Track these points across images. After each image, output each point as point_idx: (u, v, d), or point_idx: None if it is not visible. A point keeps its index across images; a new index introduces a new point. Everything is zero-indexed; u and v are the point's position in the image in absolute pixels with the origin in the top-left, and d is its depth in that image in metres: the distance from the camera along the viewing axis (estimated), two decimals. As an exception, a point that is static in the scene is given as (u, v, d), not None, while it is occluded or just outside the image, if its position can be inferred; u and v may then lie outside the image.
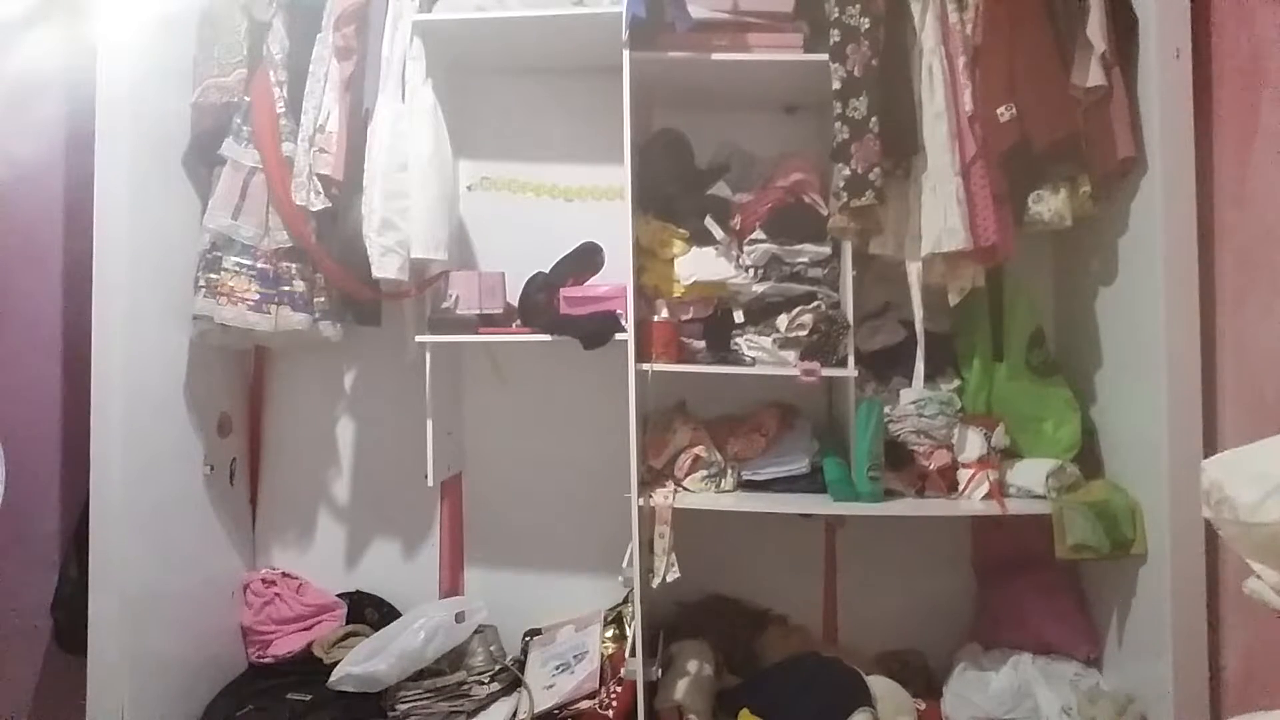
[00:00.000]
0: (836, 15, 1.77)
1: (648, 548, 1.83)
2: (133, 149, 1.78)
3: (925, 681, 2.00)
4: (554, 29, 1.94)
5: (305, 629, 2.15)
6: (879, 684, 1.86)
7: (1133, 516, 1.70)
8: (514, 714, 1.93)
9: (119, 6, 1.79)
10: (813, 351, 1.83)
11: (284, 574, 2.24)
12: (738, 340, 1.93)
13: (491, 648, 2.05)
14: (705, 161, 2.08)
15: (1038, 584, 1.95)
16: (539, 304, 1.96)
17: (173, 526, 1.92)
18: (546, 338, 1.92)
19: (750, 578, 2.18)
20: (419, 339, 1.97)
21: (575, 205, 2.24)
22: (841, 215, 1.78)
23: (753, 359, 1.90)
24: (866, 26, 1.75)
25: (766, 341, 1.88)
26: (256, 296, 1.91)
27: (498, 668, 2.01)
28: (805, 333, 1.82)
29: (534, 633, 2.17)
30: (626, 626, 1.98)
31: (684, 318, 1.94)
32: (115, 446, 1.74)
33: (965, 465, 1.88)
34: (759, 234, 1.88)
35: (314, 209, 1.90)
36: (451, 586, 2.26)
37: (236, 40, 1.91)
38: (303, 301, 1.96)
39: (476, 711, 1.94)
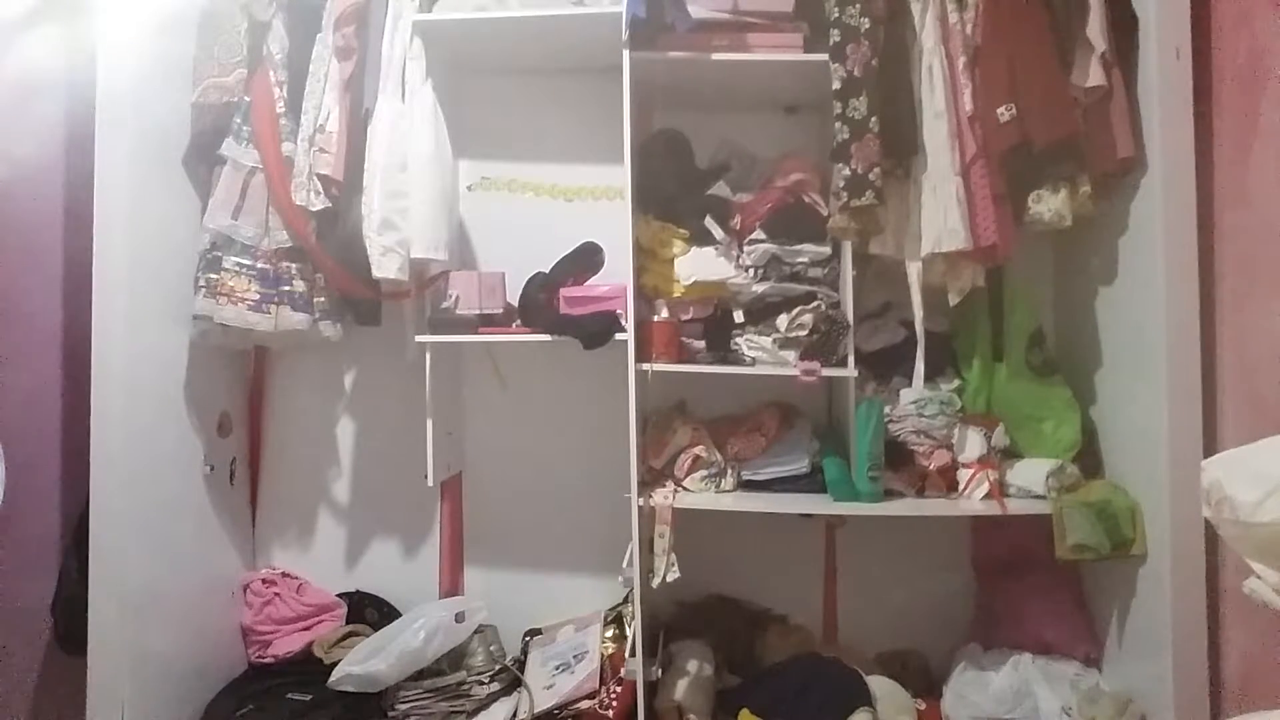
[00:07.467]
0: (836, 15, 1.77)
1: (648, 548, 1.83)
2: (133, 149, 1.78)
3: (925, 681, 2.01)
4: (554, 29, 1.94)
5: (305, 629, 2.15)
6: (879, 684, 1.86)
7: (1133, 516, 1.70)
8: (514, 714, 1.93)
9: (119, 6, 1.78)
10: (813, 351, 1.83)
11: (284, 574, 2.24)
12: (738, 340, 1.93)
13: (491, 648, 2.06)
14: (705, 161, 2.08)
15: (1037, 584, 1.95)
16: (539, 304, 1.96)
17: (173, 526, 1.92)
18: (546, 338, 1.92)
19: (750, 578, 2.18)
20: (419, 339, 1.97)
21: (575, 205, 2.24)
22: (841, 215, 1.78)
23: (753, 359, 1.90)
24: (866, 26, 1.75)
25: (766, 341, 1.88)
26: (256, 296, 1.91)
27: (498, 668, 2.01)
28: (805, 333, 1.82)
29: (534, 633, 2.17)
30: (626, 626, 1.98)
31: (684, 318, 1.94)
32: (115, 446, 1.74)
33: (965, 465, 1.88)
34: (759, 234, 1.88)
35: (314, 209, 1.90)
36: (451, 586, 2.26)
37: (236, 40, 1.91)
38: (303, 301, 1.96)
39: (476, 711, 1.94)
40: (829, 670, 1.87)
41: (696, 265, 1.91)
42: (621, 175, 1.85)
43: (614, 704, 1.86)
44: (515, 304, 2.03)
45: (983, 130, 1.76)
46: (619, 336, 1.84)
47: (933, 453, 1.87)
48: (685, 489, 1.93)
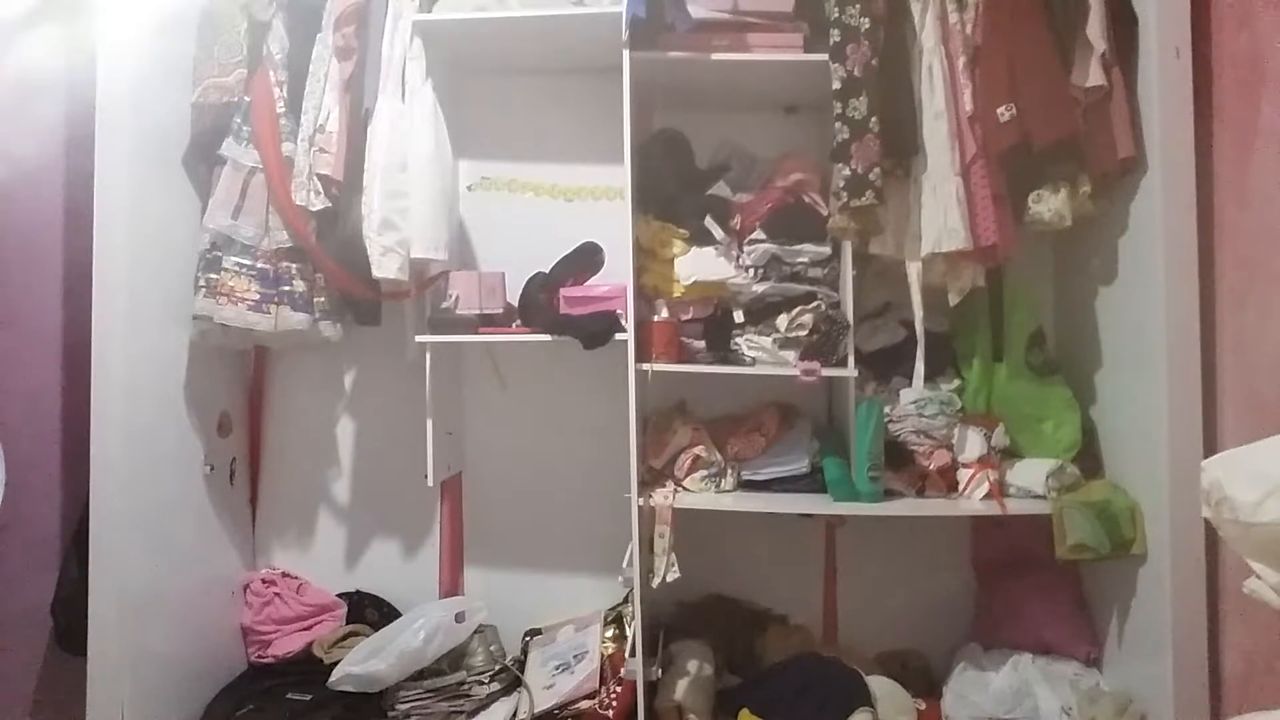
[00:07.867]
0: (836, 15, 1.76)
1: (648, 548, 1.83)
2: (133, 149, 1.78)
3: (925, 681, 2.00)
4: (554, 29, 1.94)
5: (305, 629, 2.15)
6: (879, 684, 1.86)
7: (1133, 516, 1.70)
8: (514, 714, 1.93)
9: (119, 6, 1.78)
10: (813, 351, 1.83)
11: (284, 574, 2.24)
12: (738, 340, 1.93)
13: (491, 648, 2.06)
14: (705, 161, 2.08)
15: (1037, 584, 1.95)
16: (539, 304, 1.96)
17: (173, 526, 1.92)
18: (546, 338, 1.92)
19: (750, 578, 2.18)
20: (419, 339, 1.97)
21: (575, 205, 2.24)
22: (841, 215, 1.78)
23: (753, 359, 1.90)
24: (866, 26, 1.75)
25: (766, 341, 1.88)
26: (256, 296, 1.91)
27: (498, 668, 2.01)
28: (805, 333, 1.82)
29: (534, 633, 2.17)
30: (626, 626, 1.98)
31: (684, 318, 1.94)
32: (115, 446, 1.74)
33: (965, 465, 1.88)
34: (759, 234, 1.88)
35: (314, 209, 1.90)
36: (451, 586, 2.26)
37: (236, 40, 1.91)
38: (303, 301, 1.96)
39: (476, 711, 1.94)
40: (829, 670, 1.87)
41: (696, 265, 1.91)
42: (621, 175, 1.85)
43: (614, 704, 1.86)
44: (515, 304, 2.03)
45: (983, 130, 1.76)
46: (619, 336, 1.84)
47: (933, 453, 1.87)
48: (685, 489, 1.93)
